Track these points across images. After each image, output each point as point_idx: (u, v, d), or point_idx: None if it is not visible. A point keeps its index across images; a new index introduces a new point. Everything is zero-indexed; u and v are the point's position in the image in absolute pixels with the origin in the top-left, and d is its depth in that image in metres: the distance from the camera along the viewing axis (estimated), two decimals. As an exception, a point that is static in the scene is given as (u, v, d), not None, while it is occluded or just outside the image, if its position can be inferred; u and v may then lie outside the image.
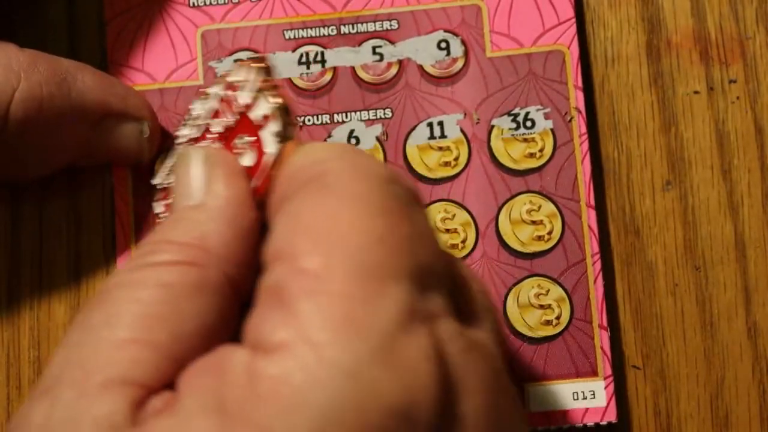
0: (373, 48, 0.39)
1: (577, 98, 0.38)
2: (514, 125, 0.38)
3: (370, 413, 0.23)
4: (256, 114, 0.30)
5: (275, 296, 0.25)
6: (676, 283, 0.38)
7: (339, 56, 0.39)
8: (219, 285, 0.27)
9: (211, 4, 0.39)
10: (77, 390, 0.25)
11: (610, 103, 0.39)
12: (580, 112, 0.38)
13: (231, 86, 0.31)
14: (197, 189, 0.29)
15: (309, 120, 0.38)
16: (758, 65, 0.39)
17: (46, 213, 0.39)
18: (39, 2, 0.39)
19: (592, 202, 0.38)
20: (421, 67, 0.38)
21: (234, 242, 0.28)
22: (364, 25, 0.39)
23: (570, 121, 0.38)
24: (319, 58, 0.39)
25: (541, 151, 0.38)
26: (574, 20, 0.38)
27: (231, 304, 0.28)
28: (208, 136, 0.31)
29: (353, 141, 0.38)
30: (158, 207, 0.34)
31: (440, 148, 0.38)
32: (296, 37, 0.39)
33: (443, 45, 0.39)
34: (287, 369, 0.24)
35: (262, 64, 0.30)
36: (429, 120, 0.38)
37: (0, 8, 0.39)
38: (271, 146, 0.29)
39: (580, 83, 0.38)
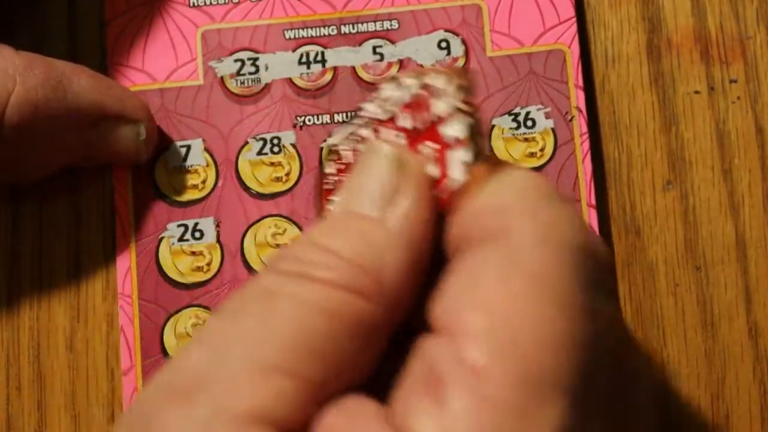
0: (374, 48, 0.39)
1: (577, 98, 0.38)
2: (514, 125, 0.38)
3: None
4: (447, 131, 0.27)
5: (432, 380, 0.23)
6: (676, 283, 0.38)
7: (339, 56, 0.39)
8: (382, 327, 0.25)
9: (211, 4, 0.39)
10: (215, 411, 0.23)
11: (611, 103, 0.39)
12: (580, 111, 0.38)
13: (427, 88, 0.28)
14: (380, 197, 0.26)
15: (309, 120, 0.38)
16: (759, 65, 0.39)
17: (46, 213, 0.39)
18: (39, 2, 0.39)
19: (593, 202, 0.38)
20: (421, 67, 0.38)
21: (408, 279, 0.26)
22: (365, 24, 0.39)
23: (571, 120, 0.38)
24: (319, 57, 0.39)
25: (541, 150, 0.38)
26: (574, 19, 0.38)
27: (384, 341, 0.26)
28: (395, 126, 0.29)
29: (353, 141, 0.38)
30: (330, 167, 0.31)
31: (441, 148, 0.38)
32: (296, 36, 0.39)
33: (444, 45, 0.39)
34: None
35: (466, 82, 0.28)
36: (429, 120, 0.38)
37: (0, 8, 0.39)
38: (457, 173, 0.27)
39: (580, 83, 0.38)
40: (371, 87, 0.38)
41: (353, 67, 0.39)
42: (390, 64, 0.39)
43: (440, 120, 0.28)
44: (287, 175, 0.38)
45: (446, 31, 0.39)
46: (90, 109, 0.36)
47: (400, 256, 0.25)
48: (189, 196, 0.38)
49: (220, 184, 0.38)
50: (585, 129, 0.38)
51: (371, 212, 0.26)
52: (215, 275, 0.38)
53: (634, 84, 0.39)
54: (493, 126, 0.38)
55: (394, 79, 0.30)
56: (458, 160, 0.27)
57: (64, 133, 0.36)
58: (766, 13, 0.39)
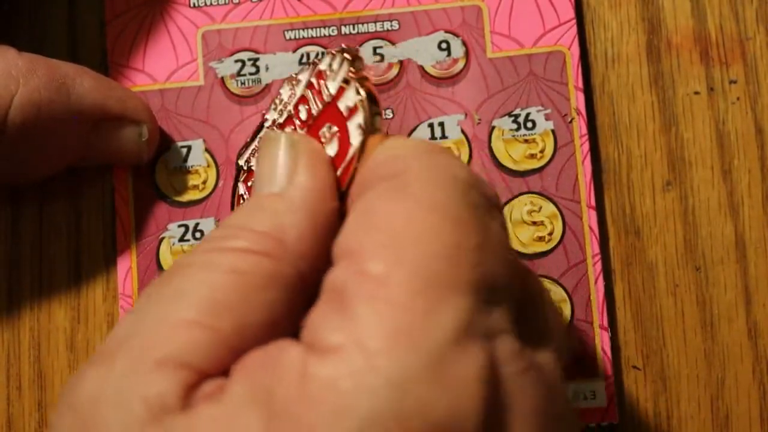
0: (374, 48, 0.39)
1: (577, 99, 0.38)
2: (514, 126, 0.38)
3: (413, 428, 0.23)
4: (342, 104, 0.29)
5: (336, 296, 0.25)
6: (676, 284, 0.38)
7: (340, 57, 0.39)
8: (290, 280, 0.27)
9: (211, 4, 0.39)
10: (132, 363, 0.25)
11: (611, 104, 0.39)
12: (580, 113, 0.38)
13: (320, 74, 0.31)
14: (280, 176, 0.29)
15: (310, 120, 0.38)
16: (758, 66, 0.39)
17: (46, 213, 0.39)
18: (40, 3, 0.39)
19: (593, 203, 0.38)
20: (421, 68, 0.38)
21: (311, 237, 0.28)
22: (365, 25, 0.39)
23: (571, 122, 0.38)
24: (319, 58, 0.39)
25: (541, 152, 0.38)
26: (574, 21, 0.38)
27: (298, 299, 0.28)
28: (295, 121, 0.31)
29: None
30: (241, 188, 0.34)
31: (441, 149, 0.38)
32: (297, 37, 0.39)
33: (444, 46, 0.39)
34: (337, 373, 0.24)
35: (352, 55, 0.30)
36: (430, 121, 0.38)
37: (0, 9, 0.39)
38: (355, 138, 0.29)
39: (580, 84, 0.38)
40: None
41: (353, 68, 0.39)
42: (390, 65, 0.39)
43: (335, 97, 0.30)
44: (288, 175, 0.38)
45: (446, 32, 0.39)
46: (92, 110, 0.36)
47: (300, 220, 0.28)
48: (190, 196, 0.38)
49: (220, 184, 0.38)
50: (585, 130, 0.38)
51: (272, 190, 0.29)
52: (216, 276, 0.38)
53: (634, 85, 0.39)
54: (494, 127, 0.38)
55: (289, 79, 0.32)
56: (354, 125, 0.29)
57: (66, 134, 0.36)
58: (765, 14, 0.39)
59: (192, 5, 0.39)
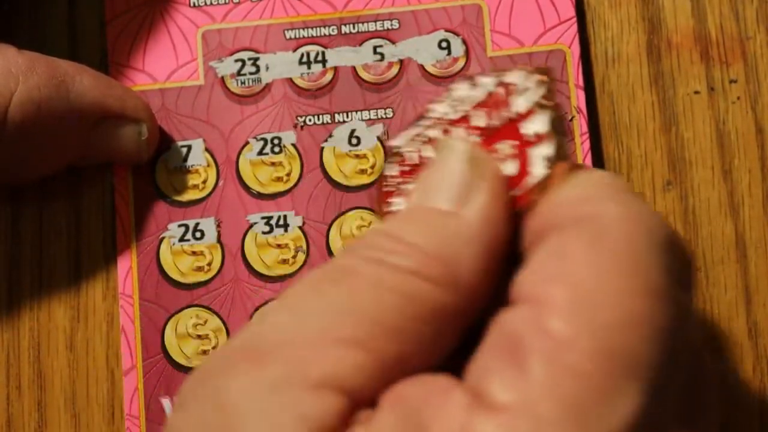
0: (374, 48, 0.39)
1: (578, 98, 0.38)
2: (515, 125, 0.38)
3: None
4: (528, 128, 0.27)
5: (512, 346, 0.23)
6: (676, 283, 0.38)
7: (340, 56, 0.39)
8: (456, 315, 0.25)
9: (211, 4, 0.39)
10: (293, 372, 0.24)
11: (611, 103, 0.39)
12: (581, 111, 0.38)
13: (505, 86, 0.28)
14: (456, 193, 0.27)
15: (310, 120, 0.38)
16: (759, 65, 0.39)
17: (46, 213, 0.39)
18: (40, 2, 0.39)
19: (593, 202, 0.38)
20: (422, 67, 0.38)
21: (485, 271, 0.26)
22: (365, 24, 0.39)
23: (571, 120, 0.38)
24: (320, 57, 0.39)
25: (542, 150, 0.38)
26: (575, 20, 0.38)
27: (457, 332, 0.26)
28: (468, 125, 0.29)
29: (354, 141, 0.38)
30: (392, 169, 0.31)
31: (441, 148, 0.38)
32: (297, 36, 0.39)
33: (444, 44, 0.39)
34: None
35: (546, 78, 0.28)
36: (430, 120, 0.38)
37: (0, 9, 0.39)
38: (539, 169, 0.27)
39: (581, 83, 0.38)
40: (372, 87, 0.38)
41: (354, 67, 0.39)
42: (390, 64, 0.39)
43: (520, 117, 0.28)
44: (288, 175, 0.38)
45: (447, 31, 0.39)
46: (92, 109, 0.36)
47: (476, 250, 0.26)
48: (190, 196, 0.38)
49: (220, 184, 0.38)
50: (585, 129, 0.38)
51: (445, 206, 0.27)
52: (216, 275, 0.38)
53: (634, 84, 0.39)
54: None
55: (468, 78, 0.30)
56: (540, 155, 0.27)
57: (66, 133, 0.36)
58: (766, 13, 0.39)
59: (192, 5, 0.39)
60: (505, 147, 0.28)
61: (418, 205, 0.27)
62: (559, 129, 0.27)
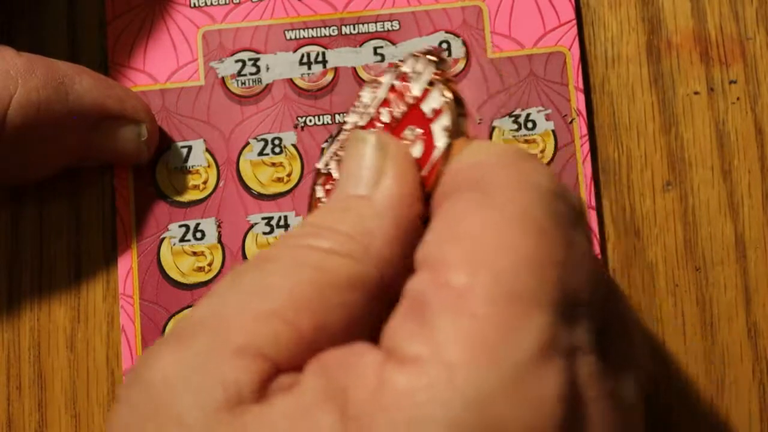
0: (375, 48, 0.39)
1: (578, 100, 0.38)
2: (515, 126, 0.38)
3: None
4: (427, 106, 0.29)
5: (417, 306, 0.25)
6: (676, 284, 0.38)
7: (340, 57, 0.39)
8: (372, 283, 0.27)
9: (212, 4, 0.39)
10: (211, 346, 0.25)
11: (611, 104, 0.39)
12: (581, 113, 0.38)
13: (403, 76, 0.30)
14: (367, 177, 0.29)
15: (310, 120, 0.38)
16: (758, 66, 0.39)
17: (47, 213, 0.39)
18: (40, 3, 0.39)
19: (593, 204, 0.38)
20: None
21: (395, 242, 0.28)
22: (366, 25, 0.39)
23: (571, 122, 0.38)
24: (320, 58, 0.39)
25: (542, 152, 0.38)
26: (574, 22, 0.38)
27: (378, 303, 0.27)
28: (377, 124, 0.31)
29: (354, 142, 0.38)
30: (320, 191, 0.33)
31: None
32: (297, 37, 0.39)
33: (444, 46, 0.39)
34: (415, 384, 0.23)
35: (436, 57, 0.29)
36: (430, 121, 0.38)
37: (0, 9, 0.39)
38: (440, 140, 0.28)
39: (581, 85, 0.38)
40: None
41: (354, 68, 0.39)
42: (391, 65, 0.39)
43: (418, 100, 0.29)
44: (288, 175, 0.38)
45: (447, 32, 0.39)
46: (91, 110, 0.36)
47: (386, 225, 0.28)
48: (190, 196, 0.38)
49: (221, 184, 0.38)
50: (585, 131, 0.38)
51: (359, 191, 0.29)
52: (217, 275, 0.38)
53: (634, 85, 0.39)
54: (494, 127, 0.38)
55: (371, 82, 0.32)
56: (440, 128, 0.28)
57: (65, 134, 0.36)
58: (765, 14, 0.39)
59: (192, 5, 0.39)
60: (411, 132, 0.29)
61: (336, 196, 0.29)
62: (455, 101, 0.28)
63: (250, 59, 0.39)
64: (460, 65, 0.38)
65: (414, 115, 0.29)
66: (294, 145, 0.38)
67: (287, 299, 0.26)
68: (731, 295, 0.38)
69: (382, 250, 0.27)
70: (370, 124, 0.31)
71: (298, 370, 0.25)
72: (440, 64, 0.29)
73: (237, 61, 0.39)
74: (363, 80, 0.39)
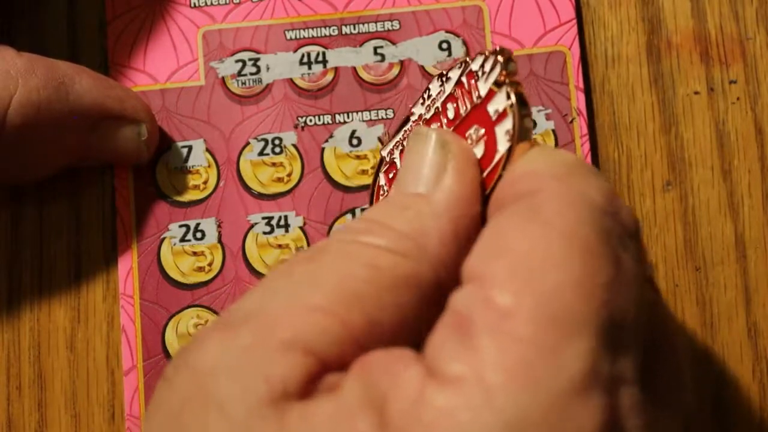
0: (375, 48, 0.39)
1: (578, 99, 0.38)
2: (515, 126, 0.38)
3: None
4: (491, 107, 0.29)
5: (460, 322, 0.24)
6: (676, 284, 0.38)
7: (340, 56, 0.39)
8: (426, 285, 0.27)
9: (212, 4, 0.39)
10: (259, 338, 0.25)
11: (611, 104, 0.39)
12: (581, 113, 0.38)
13: (470, 74, 0.30)
14: (427, 176, 0.28)
15: (311, 120, 0.38)
16: (758, 66, 0.39)
17: (47, 214, 0.39)
18: (40, 3, 0.39)
19: (594, 203, 0.38)
20: (422, 68, 0.39)
21: (452, 243, 0.27)
22: (366, 25, 0.39)
23: (571, 122, 0.38)
24: (320, 58, 0.39)
25: (542, 151, 0.38)
26: (575, 21, 0.38)
27: (431, 305, 0.27)
28: (442, 119, 0.31)
29: (355, 141, 0.38)
30: (382, 179, 0.33)
31: (442, 149, 0.38)
32: (297, 37, 0.39)
33: (444, 45, 0.39)
34: (454, 405, 0.23)
35: (505, 57, 0.29)
36: (430, 120, 0.38)
37: (0, 9, 0.39)
38: (502, 144, 0.28)
39: (581, 84, 0.38)
40: (372, 87, 0.38)
41: (354, 68, 0.39)
42: (391, 65, 0.39)
43: (483, 100, 0.29)
44: (288, 175, 0.38)
45: (447, 32, 0.39)
46: (91, 110, 0.36)
47: (443, 226, 0.27)
48: (190, 196, 0.38)
49: (221, 184, 0.38)
50: (585, 131, 0.38)
51: (418, 189, 0.28)
52: (217, 275, 0.38)
53: (634, 85, 0.39)
54: (495, 127, 0.38)
55: (440, 75, 0.32)
56: (502, 131, 0.28)
57: (65, 134, 0.36)
58: (765, 14, 0.39)
59: (192, 5, 0.39)
60: (475, 132, 0.29)
61: (394, 193, 0.29)
62: (521, 105, 0.28)
63: (250, 59, 0.39)
64: (461, 65, 0.38)
65: (479, 115, 0.29)
66: (294, 145, 0.38)
67: (339, 295, 0.26)
68: (731, 295, 0.38)
69: (439, 250, 0.27)
70: (436, 117, 0.31)
71: (344, 368, 0.25)
72: (509, 65, 0.29)
73: (237, 61, 0.39)
74: (363, 80, 0.39)
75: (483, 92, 0.29)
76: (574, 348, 0.23)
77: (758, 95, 0.39)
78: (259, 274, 0.38)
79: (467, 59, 0.30)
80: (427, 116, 0.32)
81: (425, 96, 0.32)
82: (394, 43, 0.39)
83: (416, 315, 0.26)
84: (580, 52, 0.38)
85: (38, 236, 0.39)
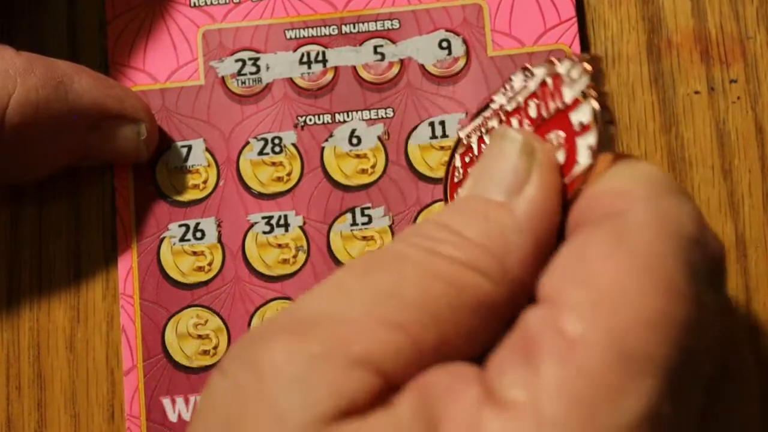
0: (375, 47, 0.39)
1: (578, 98, 0.38)
2: (515, 125, 0.38)
3: None
4: (575, 117, 0.27)
5: (527, 342, 0.24)
6: (677, 283, 0.38)
7: (340, 56, 0.39)
8: (502, 307, 0.26)
9: (212, 4, 0.39)
10: (329, 348, 0.24)
11: (611, 103, 0.39)
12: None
13: (554, 76, 0.29)
14: (509, 183, 0.27)
15: (310, 120, 0.38)
16: (759, 65, 0.39)
17: (46, 214, 0.39)
18: (40, 3, 0.39)
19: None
20: (422, 67, 0.39)
21: (532, 261, 0.26)
22: (366, 24, 0.39)
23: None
24: (320, 57, 0.39)
25: (542, 150, 0.38)
26: (575, 19, 0.38)
27: (502, 321, 0.26)
28: (522, 114, 0.30)
29: (355, 140, 0.38)
30: (458, 160, 0.32)
31: (442, 148, 0.38)
32: (297, 36, 0.39)
33: (444, 44, 0.39)
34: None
35: (594, 68, 0.28)
36: (430, 119, 0.38)
37: (0, 9, 0.39)
38: (583, 158, 0.27)
39: (581, 83, 0.38)
40: (372, 87, 0.38)
41: (354, 67, 0.39)
42: (391, 64, 0.39)
43: (568, 107, 0.28)
44: (288, 175, 0.38)
45: (447, 30, 0.39)
46: (91, 109, 0.36)
47: (526, 242, 0.26)
48: (190, 196, 0.38)
49: (221, 184, 0.38)
50: (586, 129, 0.38)
51: (498, 197, 0.27)
52: (217, 275, 0.38)
53: (634, 84, 0.39)
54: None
55: (524, 69, 0.31)
56: (585, 145, 0.27)
57: (65, 134, 0.36)
58: (766, 13, 0.39)
59: (192, 5, 0.39)
60: (556, 137, 0.28)
61: (471, 195, 0.28)
62: (605, 118, 0.27)
63: (250, 59, 0.39)
64: (461, 63, 0.38)
65: (561, 121, 0.28)
66: (294, 145, 0.38)
67: (417, 313, 0.24)
68: (732, 294, 0.38)
69: (518, 269, 0.26)
70: (517, 111, 0.30)
71: (403, 383, 0.24)
72: (596, 76, 0.28)
73: (237, 61, 0.39)
74: (363, 79, 0.39)
75: (568, 99, 0.28)
76: (639, 389, 0.23)
77: (758, 95, 0.39)
78: (258, 274, 0.38)
79: (552, 59, 0.29)
80: (508, 107, 0.31)
81: (508, 86, 0.31)
82: (394, 42, 0.39)
83: (485, 334, 0.26)
84: (580, 50, 0.38)
85: (38, 236, 0.39)
